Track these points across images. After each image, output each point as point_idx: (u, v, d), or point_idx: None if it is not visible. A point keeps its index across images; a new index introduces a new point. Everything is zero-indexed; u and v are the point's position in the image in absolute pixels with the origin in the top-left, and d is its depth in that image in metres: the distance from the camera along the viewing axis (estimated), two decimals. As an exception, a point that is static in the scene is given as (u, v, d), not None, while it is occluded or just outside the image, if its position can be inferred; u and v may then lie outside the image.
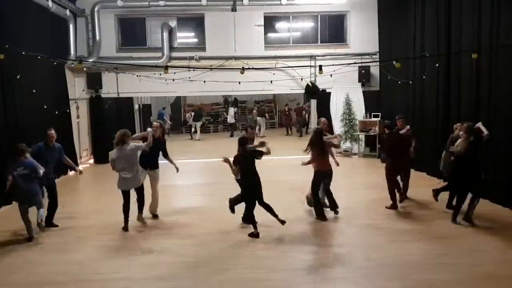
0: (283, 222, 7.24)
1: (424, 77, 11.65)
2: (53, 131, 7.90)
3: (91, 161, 15.37)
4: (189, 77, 14.35)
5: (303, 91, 16.12)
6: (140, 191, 7.78)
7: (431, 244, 6.69)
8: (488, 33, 8.91)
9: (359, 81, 15.52)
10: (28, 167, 7.00)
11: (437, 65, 10.88)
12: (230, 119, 22.67)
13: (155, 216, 8.30)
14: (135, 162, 7.52)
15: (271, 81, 14.29)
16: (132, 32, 15.90)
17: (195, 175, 12.41)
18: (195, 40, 16.20)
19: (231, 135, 21.95)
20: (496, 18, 8.66)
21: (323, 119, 8.97)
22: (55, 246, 7.03)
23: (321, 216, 7.99)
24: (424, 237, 7.02)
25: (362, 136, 15.04)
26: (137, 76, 14.52)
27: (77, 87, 14.81)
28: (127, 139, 7.46)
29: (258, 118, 22.30)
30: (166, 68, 10.64)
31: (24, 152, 7.08)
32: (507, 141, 8.25)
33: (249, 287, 5.52)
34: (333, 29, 16.09)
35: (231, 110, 22.87)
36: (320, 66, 11.67)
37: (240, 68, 11.18)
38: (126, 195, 7.57)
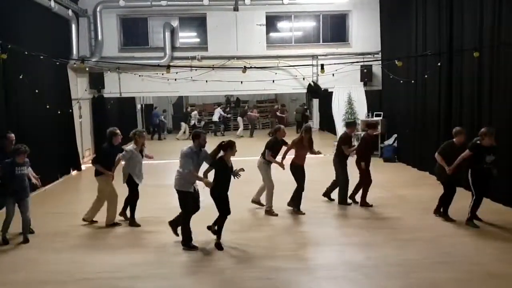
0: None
1: (426, 76, 11.63)
2: (13, 135, 7.70)
3: (94, 160, 15.39)
4: (191, 77, 14.37)
5: (305, 91, 16.12)
6: None
7: (431, 243, 6.69)
8: (490, 31, 8.90)
9: (361, 81, 15.48)
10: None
11: (439, 64, 10.85)
12: (215, 118, 22.71)
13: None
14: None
15: (273, 81, 14.30)
16: (134, 32, 15.93)
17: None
18: (197, 40, 16.23)
19: (215, 134, 22.22)
20: (497, 16, 8.64)
21: (281, 127, 8.65)
22: (56, 244, 7.06)
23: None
24: (425, 235, 7.02)
25: (364, 135, 15.01)
26: (139, 76, 14.55)
27: (79, 87, 14.84)
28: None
29: (238, 118, 22.63)
30: (168, 67, 10.68)
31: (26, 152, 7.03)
32: (509, 139, 8.23)
33: (250, 286, 5.53)
34: (335, 28, 16.07)
35: (218, 110, 22.94)
36: (322, 65, 11.68)
37: (242, 67, 11.21)
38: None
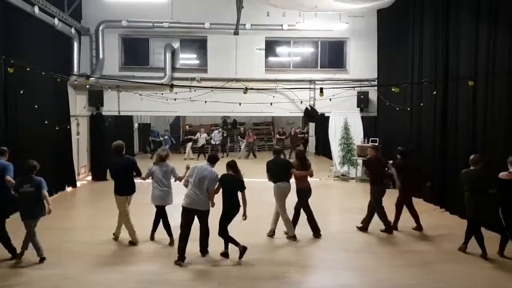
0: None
1: (422, 104, 11.81)
2: None
3: (89, 178, 15.39)
4: (190, 98, 14.51)
5: (302, 114, 16.28)
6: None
7: (424, 269, 6.73)
8: (485, 60, 9.10)
9: (357, 106, 15.69)
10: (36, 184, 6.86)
11: (434, 92, 11.04)
12: (214, 140, 22.54)
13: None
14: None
15: (271, 103, 14.45)
16: (135, 52, 16.13)
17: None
18: (197, 61, 16.45)
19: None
20: (492, 46, 8.86)
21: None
22: (49, 261, 6.98)
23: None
24: (418, 261, 7.05)
25: (359, 160, 15.11)
26: (139, 94, 14.67)
27: (78, 104, 14.94)
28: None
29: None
30: (171, 86, 10.71)
31: (36, 169, 6.96)
32: (504, 168, 8.30)
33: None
34: (333, 54, 16.35)
35: (215, 133, 22.86)
36: (321, 88, 11.81)
37: (243, 88, 11.33)
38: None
